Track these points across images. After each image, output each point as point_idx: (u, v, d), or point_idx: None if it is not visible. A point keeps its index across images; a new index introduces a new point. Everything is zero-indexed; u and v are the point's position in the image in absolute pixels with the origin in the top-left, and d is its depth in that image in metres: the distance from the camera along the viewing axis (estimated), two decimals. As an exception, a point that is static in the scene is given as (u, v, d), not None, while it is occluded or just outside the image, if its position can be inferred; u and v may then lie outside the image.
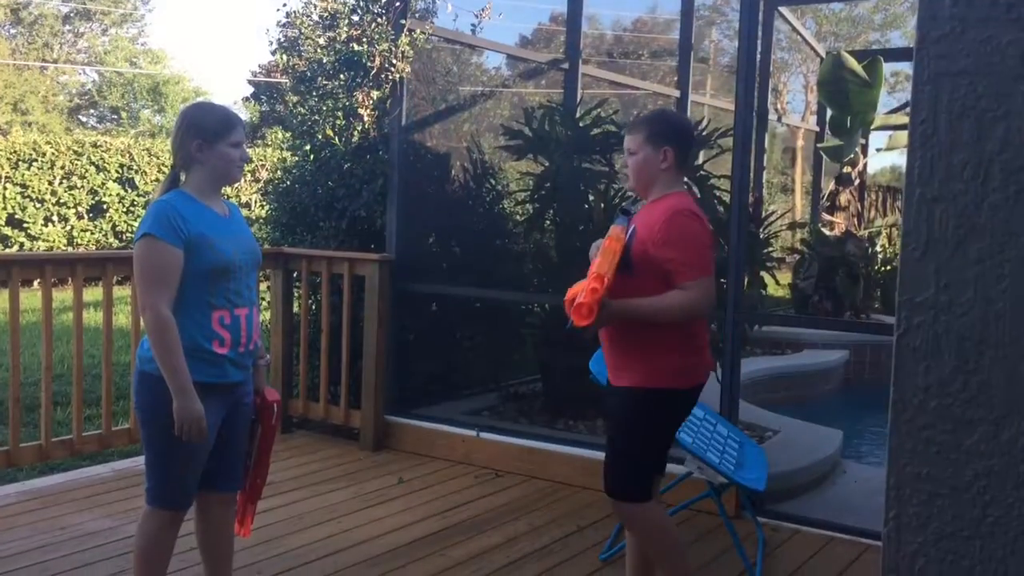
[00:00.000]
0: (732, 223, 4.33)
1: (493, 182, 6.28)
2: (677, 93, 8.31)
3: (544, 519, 4.22)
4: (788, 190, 17.63)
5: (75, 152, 14.91)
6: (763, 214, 7.53)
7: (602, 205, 5.62)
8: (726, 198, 5.03)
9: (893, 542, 1.44)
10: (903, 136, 10.22)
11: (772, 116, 12.88)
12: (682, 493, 3.91)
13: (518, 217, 6.31)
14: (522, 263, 6.26)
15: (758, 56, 4.70)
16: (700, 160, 5.63)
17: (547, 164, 5.68)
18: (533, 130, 5.57)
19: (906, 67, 19.03)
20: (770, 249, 5.93)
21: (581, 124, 5.55)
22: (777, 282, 6.50)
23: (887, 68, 9.22)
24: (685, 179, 3.06)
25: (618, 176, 5.76)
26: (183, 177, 2.78)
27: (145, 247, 2.62)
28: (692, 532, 4.08)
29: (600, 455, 4.63)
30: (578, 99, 6.57)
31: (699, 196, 5.33)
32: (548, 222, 5.94)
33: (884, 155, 13.01)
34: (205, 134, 2.72)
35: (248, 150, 2.87)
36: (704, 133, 5.44)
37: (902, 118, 10.09)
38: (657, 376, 2.84)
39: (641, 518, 2.94)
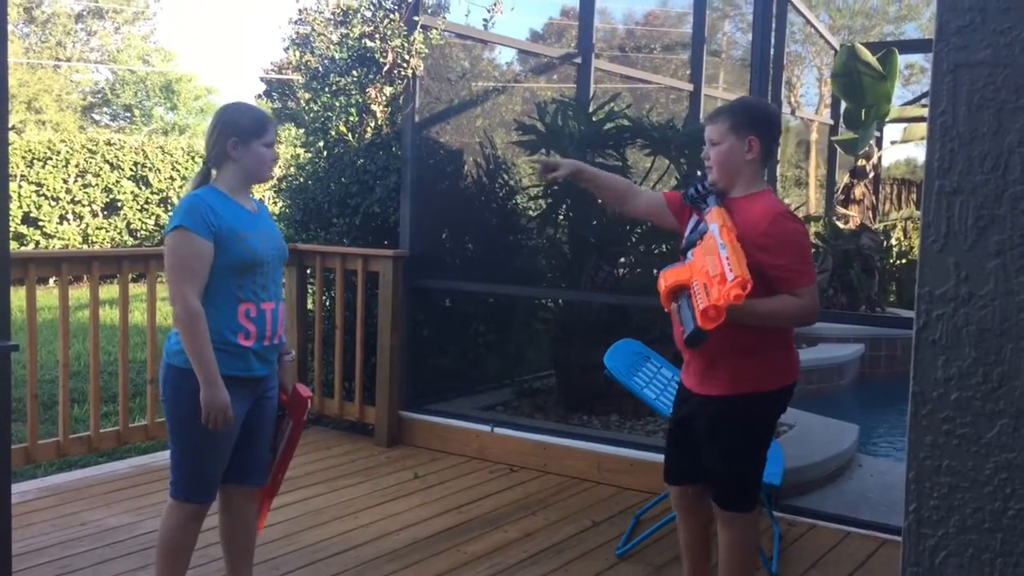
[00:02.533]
0: (746, 217, 4.31)
1: (506, 177, 6.28)
2: (690, 87, 8.28)
3: (559, 514, 4.22)
4: (802, 183, 17.56)
5: (89, 150, 14.99)
6: (777, 208, 7.49)
7: (615, 200, 5.61)
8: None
9: (913, 535, 1.43)
10: (918, 129, 10.17)
11: (786, 109, 12.82)
12: (698, 488, 3.90)
13: (531, 212, 6.31)
14: (535, 258, 6.26)
15: (772, 49, 4.68)
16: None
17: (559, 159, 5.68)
18: (546, 125, 5.56)
19: (920, 59, 18.92)
20: (784, 243, 5.90)
21: (594, 119, 5.54)
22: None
23: (901, 60, 9.17)
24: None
25: (631, 170, 5.75)
26: (214, 174, 2.84)
27: (177, 239, 2.67)
28: (708, 527, 4.07)
29: (613, 449, 4.67)
30: (591, 94, 6.56)
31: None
32: (561, 217, 5.94)
33: (899, 148, 12.94)
34: (240, 133, 2.78)
35: None
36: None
37: (917, 110, 10.04)
38: (768, 378, 2.76)
39: (752, 525, 2.88)
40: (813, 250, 8.94)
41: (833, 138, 10.44)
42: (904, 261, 9.92)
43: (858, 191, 9.56)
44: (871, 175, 9.74)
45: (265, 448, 2.93)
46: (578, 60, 6.74)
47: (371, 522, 4.04)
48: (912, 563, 1.42)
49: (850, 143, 9.29)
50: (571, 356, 5.56)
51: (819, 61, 19.68)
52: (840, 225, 9.32)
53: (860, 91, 8.85)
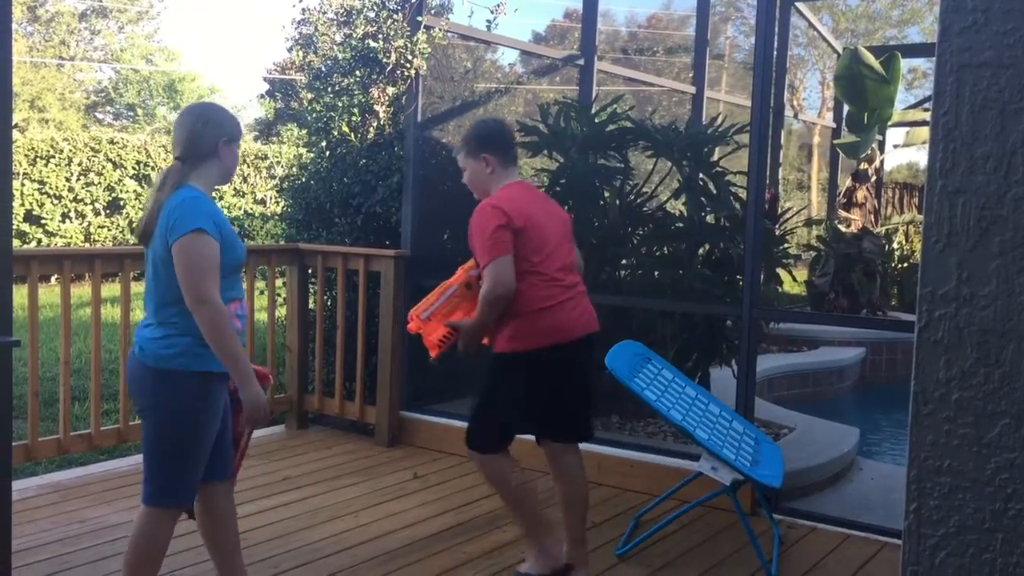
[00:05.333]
0: (748, 219, 4.32)
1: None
2: (693, 89, 8.29)
3: (559, 515, 4.21)
4: (804, 187, 17.57)
5: (92, 149, 15.00)
6: (779, 211, 7.51)
7: (617, 202, 5.62)
8: (742, 194, 5.02)
9: (914, 535, 1.43)
10: (920, 132, 10.17)
11: (788, 112, 12.82)
12: (697, 489, 3.90)
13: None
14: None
15: (775, 52, 4.68)
16: (716, 156, 5.62)
17: (562, 161, 5.68)
18: (548, 126, 5.56)
19: (923, 63, 18.92)
20: (786, 246, 5.91)
21: (596, 120, 5.54)
22: (794, 279, 6.48)
23: (904, 64, 9.18)
24: (517, 173, 3.45)
25: (633, 172, 5.75)
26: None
27: (198, 241, 2.65)
28: (707, 529, 4.07)
29: (613, 450, 4.67)
30: (593, 95, 6.56)
31: (715, 193, 5.32)
32: (563, 218, 5.93)
33: (901, 152, 12.93)
34: (230, 133, 2.81)
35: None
36: (720, 129, 5.42)
37: (919, 114, 10.04)
38: (515, 342, 3.22)
39: (487, 463, 3.36)
40: (816, 253, 8.90)
41: (835, 141, 10.44)
42: (906, 265, 9.92)
43: (860, 195, 9.56)
44: (873, 179, 9.74)
45: (230, 440, 2.93)
46: (581, 62, 6.74)
47: (370, 521, 4.04)
48: (913, 562, 1.42)
49: (852, 147, 9.29)
50: (572, 357, 5.55)
51: (822, 64, 19.69)
52: (842, 229, 9.32)
53: (863, 94, 8.85)
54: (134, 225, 2.58)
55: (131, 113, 31.23)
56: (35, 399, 4.33)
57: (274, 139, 26.17)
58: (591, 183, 5.61)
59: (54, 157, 14.54)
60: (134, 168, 15.36)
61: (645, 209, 5.68)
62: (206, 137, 2.77)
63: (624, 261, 5.85)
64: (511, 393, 3.29)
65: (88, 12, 30.69)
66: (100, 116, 31.62)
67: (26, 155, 14.31)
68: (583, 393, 3.38)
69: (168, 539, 2.81)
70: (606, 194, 5.71)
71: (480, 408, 3.39)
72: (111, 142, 15.34)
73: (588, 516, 4.17)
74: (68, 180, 14.69)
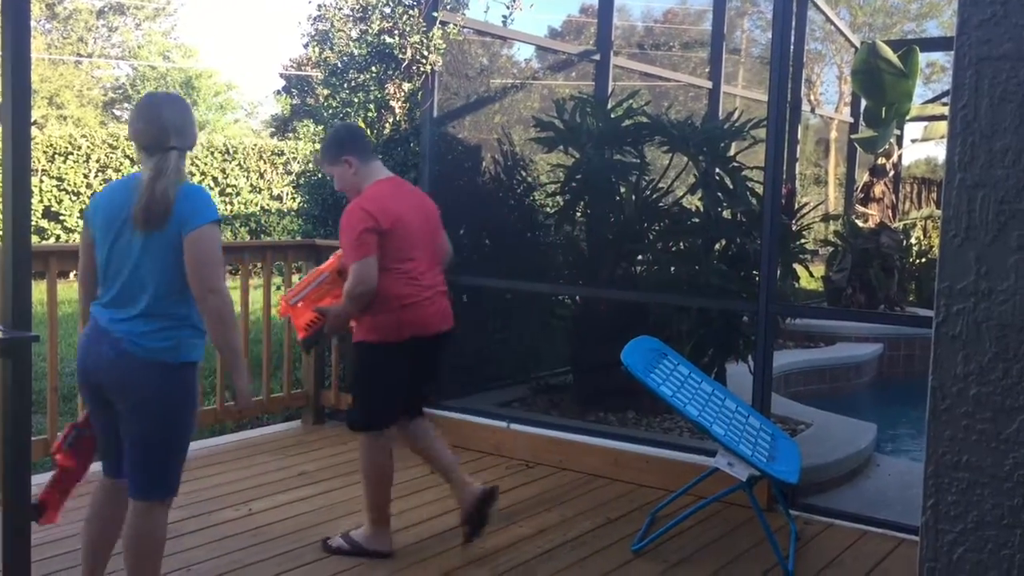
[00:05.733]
0: (765, 215, 4.30)
1: (524, 174, 6.28)
2: (709, 84, 8.26)
3: (575, 510, 4.22)
4: (821, 182, 17.47)
5: (110, 145, 15.09)
6: (796, 206, 7.48)
7: (633, 197, 5.61)
8: (759, 189, 5.00)
9: (931, 531, 1.42)
10: (938, 127, 10.10)
11: (805, 107, 12.75)
12: (714, 485, 3.89)
13: (548, 209, 6.31)
14: (553, 255, 6.25)
15: (791, 46, 4.66)
16: (732, 152, 5.60)
17: (578, 156, 5.68)
18: (564, 122, 5.56)
19: (942, 57, 18.75)
20: (803, 241, 5.89)
21: (612, 116, 5.53)
22: (811, 274, 6.44)
23: (923, 58, 9.10)
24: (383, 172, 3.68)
25: (649, 168, 5.74)
26: None
27: (215, 231, 2.71)
28: (724, 525, 4.06)
29: (629, 446, 4.67)
30: (609, 91, 6.55)
31: (732, 188, 5.30)
32: (579, 214, 5.93)
33: (919, 146, 12.86)
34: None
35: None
36: (736, 124, 5.40)
37: (938, 108, 9.98)
38: (371, 333, 3.51)
39: (368, 445, 3.61)
40: (833, 248, 8.87)
41: (853, 136, 10.37)
42: (924, 260, 9.86)
43: (878, 189, 9.50)
44: (891, 173, 9.67)
45: None
46: (597, 57, 6.73)
47: (387, 516, 4.05)
48: (930, 558, 1.42)
49: (870, 141, 9.23)
50: (588, 353, 5.56)
51: (839, 59, 19.55)
52: (859, 224, 9.27)
53: (881, 89, 8.79)
54: (138, 212, 2.55)
55: (148, 110, 31.36)
56: (54, 394, 4.36)
57: (290, 135, 26.24)
58: (607, 178, 5.60)
59: (72, 154, 14.63)
60: (152, 165, 15.43)
61: (661, 204, 5.67)
62: (189, 131, 2.79)
63: (640, 257, 5.84)
64: (378, 378, 3.57)
65: (106, 9, 30.86)
66: (118, 113, 31.78)
67: (44, 152, 14.41)
68: (429, 378, 3.86)
69: (166, 530, 2.83)
70: (622, 189, 5.70)
71: (358, 395, 3.69)
72: (128, 138, 15.42)
73: (603, 512, 4.19)
74: (86, 176, 14.79)
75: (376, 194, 3.49)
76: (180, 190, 2.70)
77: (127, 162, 15.14)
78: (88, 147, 14.83)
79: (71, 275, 11.15)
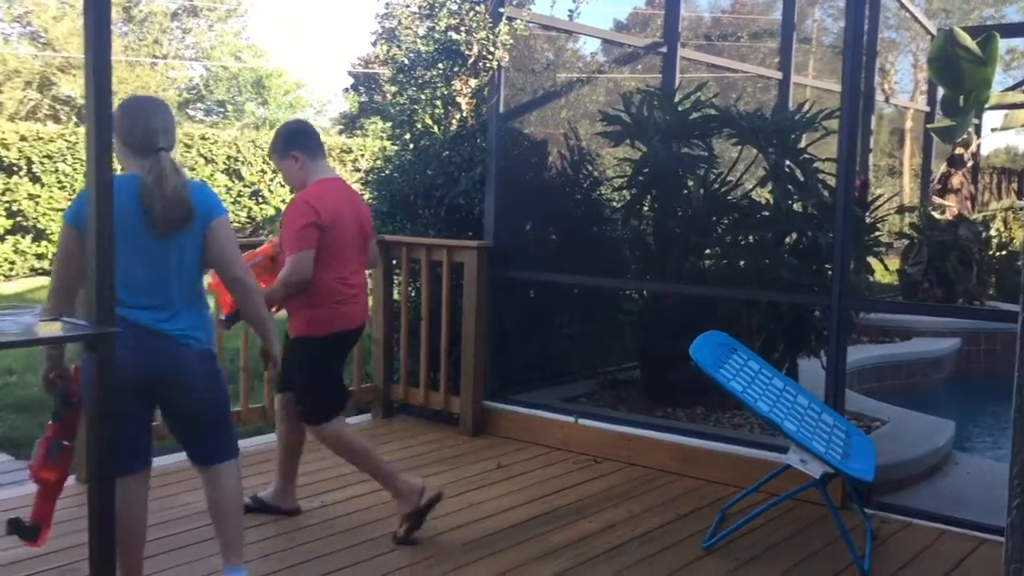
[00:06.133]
0: (838, 207, 4.22)
1: (590, 168, 6.26)
2: (779, 75, 8.13)
3: (643, 506, 4.20)
4: (895, 173, 17.06)
5: (185, 145, 15.46)
6: (870, 198, 7.32)
7: (701, 190, 5.55)
8: (831, 181, 4.90)
9: (1017, 532, 1.38)
10: (1019, 115, 9.78)
11: (879, 96, 12.46)
12: (785, 482, 3.84)
13: (615, 204, 6.28)
14: (619, 249, 6.22)
15: (865, 35, 4.55)
16: (803, 143, 5.50)
17: (645, 150, 5.63)
18: (631, 115, 5.52)
19: (1022, 44, 18.14)
20: (877, 234, 5.75)
21: (680, 108, 5.47)
22: (885, 268, 6.30)
23: (1002, 44, 8.81)
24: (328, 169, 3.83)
25: (718, 160, 5.67)
26: None
27: (229, 222, 2.98)
28: (796, 523, 4.00)
29: (698, 442, 4.63)
30: (677, 83, 6.49)
31: (803, 180, 5.21)
32: (646, 208, 5.89)
33: (999, 135, 12.45)
34: None
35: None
36: (808, 115, 5.30)
37: (1018, 96, 9.65)
38: (310, 327, 3.65)
39: (326, 432, 3.75)
40: (909, 241, 8.67)
41: (930, 126, 10.10)
42: (1004, 253, 9.56)
43: (955, 180, 9.24)
44: (969, 164, 9.40)
45: None
46: (664, 49, 6.67)
47: (455, 510, 4.08)
48: (1016, 559, 1.38)
49: (947, 131, 8.98)
50: (656, 348, 5.52)
51: (914, 46, 19.05)
52: (936, 216, 9.03)
53: (958, 77, 8.54)
54: (156, 212, 2.68)
55: (221, 109, 32.06)
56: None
57: (358, 132, 26.56)
58: (674, 172, 5.55)
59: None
60: (225, 163, 15.78)
61: (730, 198, 5.60)
62: (176, 131, 2.95)
63: (708, 251, 5.78)
64: (323, 368, 3.74)
65: (180, 11, 31.58)
66: (191, 113, 32.52)
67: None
68: (337, 375, 3.90)
69: None
70: (690, 183, 5.64)
71: (301, 389, 3.78)
72: (203, 138, 15.79)
73: (671, 508, 4.16)
74: (162, 175, 15.15)
75: (321, 192, 3.65)
76: (189, 185, 2.84)
77: (201, 161, 15.50)
78: (164, 147, 15.18)
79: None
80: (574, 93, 6.65)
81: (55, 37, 28.47)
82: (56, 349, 2.78)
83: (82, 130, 15.46)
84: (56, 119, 26.35)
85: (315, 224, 3.54)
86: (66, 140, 14.56)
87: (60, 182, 14.38)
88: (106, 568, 2.20)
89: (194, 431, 3.04)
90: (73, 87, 28.12)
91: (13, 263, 13.98)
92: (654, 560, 3.61)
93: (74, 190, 14.40)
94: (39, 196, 14.15)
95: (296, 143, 3.73)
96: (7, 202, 13.93)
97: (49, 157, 14.25)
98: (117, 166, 2.83)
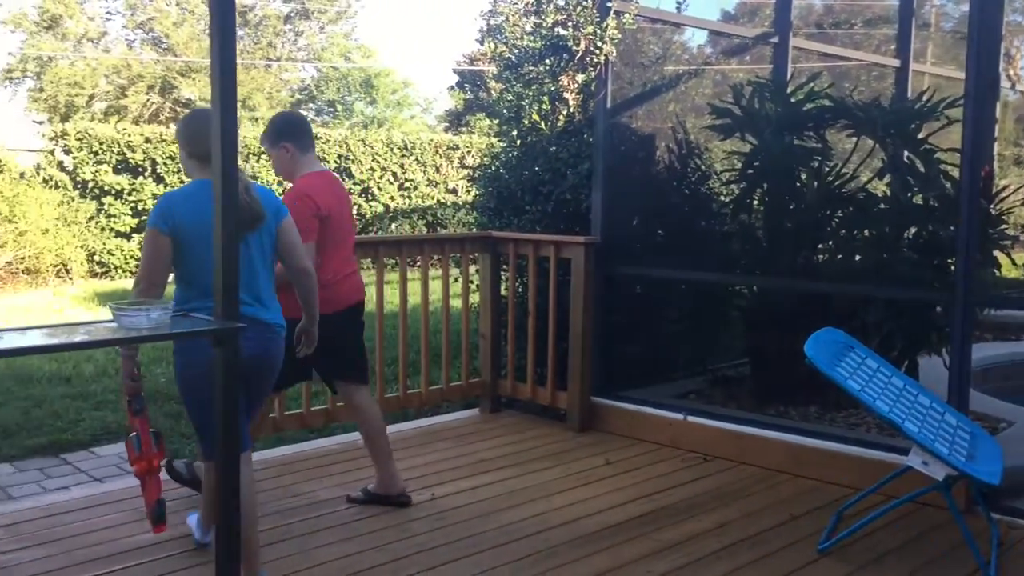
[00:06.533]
0: (962, 199, 4.04)
1: (698, 162, 6.17)
2: (897, 62, 7.84)
3: (756, 506, 4.13)
4: (1022, 163, 16.26)
5: (298, 145, 15.90)
6: (995, 189, 6.99)
7: (815, 183, 5.40)
8: (954, 173, 4.71)
9: None
10: None
11: (1004, 83, 11.88)
12: (905, 485, 3.71)
13: (723, 198, 6.17)
14: (728, 244, 6.12)
15: (989, 19, 4.33)
16: (923, 134, 5.29)
17: (755, 143, 5.52)
18: (742, 108, 5.42)
19: None
20: (1004, 227, 5.49)
21: (793, 100, 5.34)
22: (1013, 262, 6.01)
23: None
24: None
25: (832, 153, 5.51)
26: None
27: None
28: (917, 526, 3.87)
29: (812, 441, 4.51)
30: (788, 74, 6.33)
31: (923, 171, 5.01)
32: (756, 202, 5.77)
33: None
34: None
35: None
36: (928, 104, 5.10)
37: None
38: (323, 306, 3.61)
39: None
40: (1020, 230, 8.21)
41: (1059, 112, 9.57)
42: None
43: (1089, 169, 8.73)
44: (1104, 152, 8.87)
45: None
46: (775, 39, 6.52)
47: (563, 505, 4.09)
48: None
49: (1080, 117, 8.49)
50: (768, 345, 5.41)
51: (1042, 29, 18.08)
52: (1067, 207, 8.56)
53: (1092, 60, 8.06)
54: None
55: (331, 109, 32.87)
56: (253, 380, 4.65)
57: (463, 129, 26.83)
58: (787, 165, 5.43)
59: (264, 154, 15.52)
60: (336, 162, 16.16)
61: (845, 191, 5.43)
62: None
63: (821, 245, 5.63)
64: (346, 339, 3.95)
65: (292, 14, 32.49)
66: (303, 113, 33.42)
67: (240, 152, 15.33)
68: (362, 342, 4.13)
69: None
70: (803, 176, 5.51)
71: (341, 361, 3.99)
72: (316, 138, 16.18)
73: (785, 508, 4.07)
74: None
75: (315, 184, 3.85)
76: (254, 187, 3.08)
77: (313, 160, 15.91)
78: (278, 146, 15.66)
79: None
80: (681, 86, 6.56)
81: (176, 42, 29.69)
82: (133, 349, 3.05)
83: (201, 132, 16.08)
84: (177, 121, 27.44)
85: (316, 215, 3.75)
86: (187, 141, 15.17)
87: (182, 182, 14.99)
88: (233, 548, 2.29)
89: (250, 414, 3.27)
90: (193, 90, 29.26)
91: (138, 260, 14.67)
92: (767, 561, 3.54)
93: (194, 189, 15.01)
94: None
95: (287, 135, 3.88)
96: (133, 202, 14.63)
97: (172, 158, 14.88)
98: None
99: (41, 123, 30.25)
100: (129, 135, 14.80)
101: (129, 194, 14.59)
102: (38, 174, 14.10)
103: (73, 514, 3.93)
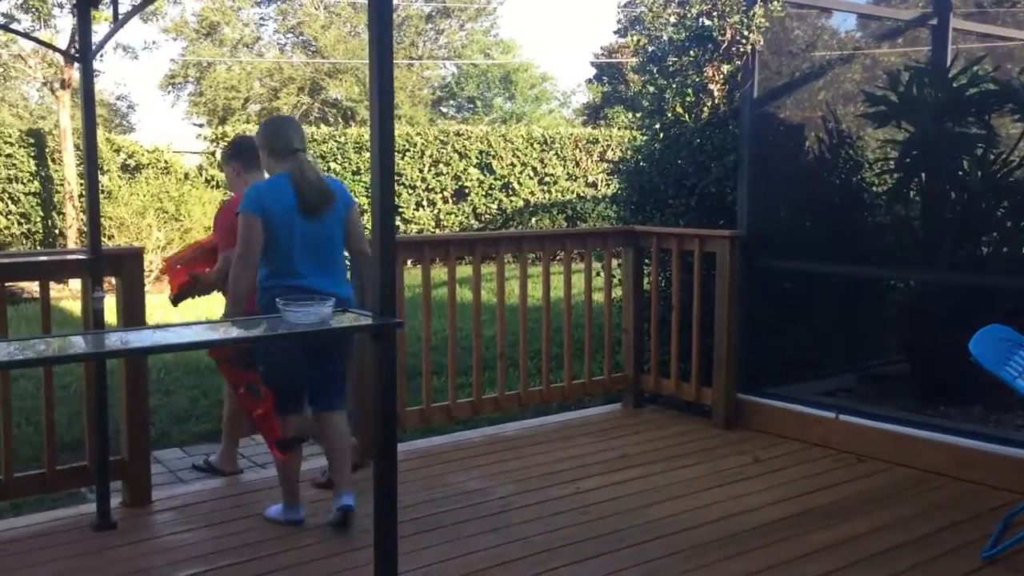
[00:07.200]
0: None
1: (850, 152, 5.95)
2: (1068, 41, 7.33)
3: (914, 510, 3.96)
4: None
5: (441, 141, 16.24)
6: None
7: (979, 172, 5.13)
8: None
9: None
10: None
11: None
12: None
13: (876, 188, 5.92)
14: (883, 237, 5.88)
15: None
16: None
17: (912, 130, 5.28)
18: (899, 94, 5.19)
19: None
20: None
21: (954, 85, 5.08)
22: None
23: None
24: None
25: (997, 139, 5.22)
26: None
27: None
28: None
29: (976, 443, 4.29)
30: (948, 57, 6.02)
31: None
32: (913, 192, 5.52)
33: None
34: None
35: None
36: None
37: None
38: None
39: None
40: None
41: None
42: None
43: None
44: None
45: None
46: (933, 21, 6.21)
47: (711, 503, 4.04)
48: None
49: None
50: (927, 342, 5.17)
51: None
52: None
53: None
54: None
55: (471, 106, 33.36)
56: (401, 373, 4.79)
57: (601, 123, 26.74)
58: (948, 153, 5.18)
59: (409, 151, 15.91)
60: (477, 157, 16.41)
61: (1011, 179, 5.13)
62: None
63: (985, 237, 5.34)
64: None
65: (433, 13, 33.15)
66: (444, 110, 34.07)
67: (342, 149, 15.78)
68: None
69: None
70: (965, 164, 5.23)
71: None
72: (457, 134, 16.49)
73: (945, 513, 3.89)
74: (421, 171, 16.02)
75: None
76: (325, 178, 3.63)
77: (455, 156, 16.20)
78: (423, 144, 16.04)
79: (407, 263, 12.13)
80: (830, 73, 6.34)
81: (324, 45, 30.79)
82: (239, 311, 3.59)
83: (351, 131, 16.64)
84: (326, 121, 28.51)
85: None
86: (336, 141, 15.73)
87: (332, 177, 15.55)
88: (388, 535, 2.37)
89: (328, 379, 3.74)
90: (339, 90, 30.27)
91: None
92: (927, 567, 3.40)
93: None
94: (313, 193, 15.40)
95: (236, 157, 4.44)
96: (352, 198, 15.27)
97: (322, 157, 15.45)
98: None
99: (201, 126, 31.97)
100: (282, 136, 15.45)
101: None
102: (200, 175, 14.91)
103: (234, 498, 4.15)
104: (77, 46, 3.78)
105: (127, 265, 3.94)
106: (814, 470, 4.49)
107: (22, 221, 13.47)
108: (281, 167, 3.63)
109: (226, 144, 4.54)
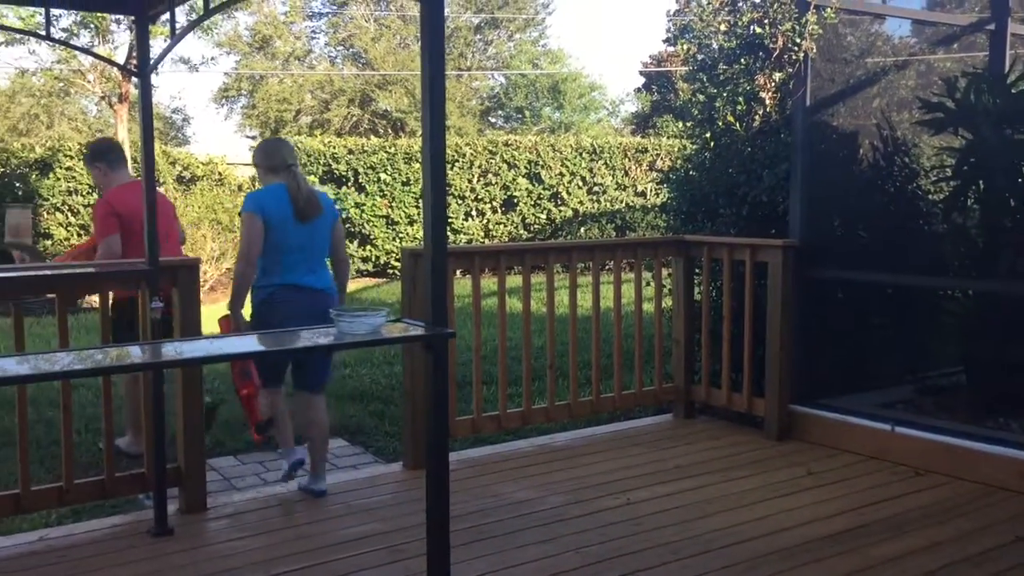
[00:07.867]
0: None
1: (906, 160, 5.85)
2: None
3: (974, 525, 3.87)
4: None
5: (489, 151, 16.30)
6: None
7: (1040, 179, 5.02)
8: None
9: None
10: None
11: None
12: None
13: (933, 197, 5.82)
14: (940, 246, 5.76)
15: None
16: None
17: (970, 137, 5.18)
18: (956, 101, 5.10)
19: None
20: None
21: (1014, 91, 4.98)
22: None
23: None
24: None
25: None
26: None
27: None
28: None
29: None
30: (1008, 63, 5.90)
31: None
32: (971, 201, 5.42)
33: None
34: None
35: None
36: None
37: None
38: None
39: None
40: None
41: None
42: None
43: None
44: None
45: None
46: (991, 26, 6.09)
47: (765, 515, 3.99)
48: None
49: None
50: (987, 353, 5.06)
51: None
52: None
53: None
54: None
55: (519, 116, 33.46)
56: (452, 382, 4.81)
57: (650, 132, 26.64)
58: (1007, 161, 5.07)
59: (458, 161, 15.99)
60: (526, 167, 16.44)
61: (1075, 187, 5.01)
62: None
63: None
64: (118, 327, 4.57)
65: (482, 24, 33.35)
66: (492, 120, 34.21)
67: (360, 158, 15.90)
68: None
69: None
70: (1025, 172, 5.12)
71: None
72: (505, 144, 16.55)
73: (1009, 528, 3.80)
74: (470, 182, 16.10)
75: (119, 193, 4.90)
76: (315, 190, 4.22)
77: (504, 166, 16.25)
78: (471, 154, 16.12)
79: (457, 272, 12.18)
80: (884, 80, 6.25)
81: (374, 57, 31.11)
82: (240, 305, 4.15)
83: (401, 141, 16.78)
84: (375, 132, 28.81)
85: (112, 213, 4.79)
86: (386, 152, 15.87)
87: (382, 191, 15.71)
88: (441, 544, 2.38)
89: (317, 361, 4.23)
90: (389, 101, 30.54)
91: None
92: (989, 584, 3.32)
93: (394, 197, 15.68)
94: (364, 204, 15.55)
95: (100, 158, 5.02)
96: (338, 210, 15.45)
97: (372, 168, 15.61)
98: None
99: (253, 138, 32.50)
100: (333, 147, 15.65)
101: (335, 203, 15.41)
102: (253, 186, 15.15)
103: (286, 506, 4.20)
104: (135, 61, 3.88)
105: (183, 276, 4.01)
106: (870, 483, 4.42)
107: (82, 233, 13.80)
108: (276, 180, 4.21)
109: (85, 148, 5.20)
